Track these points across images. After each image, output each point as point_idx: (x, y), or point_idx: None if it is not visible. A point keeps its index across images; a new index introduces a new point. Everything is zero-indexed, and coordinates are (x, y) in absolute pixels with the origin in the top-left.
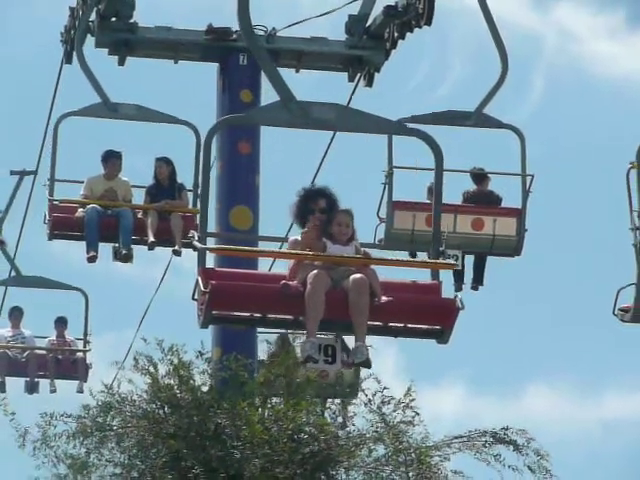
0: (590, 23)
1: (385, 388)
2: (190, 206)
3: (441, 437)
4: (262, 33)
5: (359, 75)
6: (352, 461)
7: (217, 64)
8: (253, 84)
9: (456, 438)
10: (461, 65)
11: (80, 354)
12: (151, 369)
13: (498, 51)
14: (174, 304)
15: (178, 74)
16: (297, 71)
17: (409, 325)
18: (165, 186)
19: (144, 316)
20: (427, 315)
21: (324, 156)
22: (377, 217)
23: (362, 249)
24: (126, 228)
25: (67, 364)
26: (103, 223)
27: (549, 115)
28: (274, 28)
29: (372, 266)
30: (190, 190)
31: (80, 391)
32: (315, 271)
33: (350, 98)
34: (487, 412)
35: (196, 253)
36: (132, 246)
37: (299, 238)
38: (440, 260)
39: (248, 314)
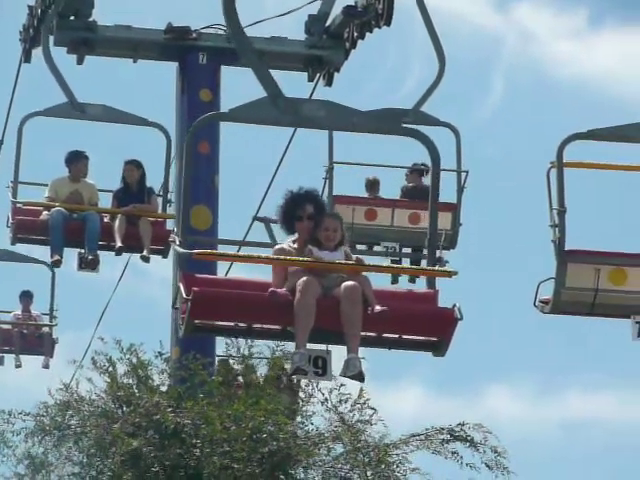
0: (551, 24)
1: (342, 385)
2: (159, 211)
3: (399, 436)
4: (222, 32)
5: (319, 75)
6: (311, 460)
7: (176, 63)
8: (212, 83)
9: (414, 436)
10: (422, 65)
11: (46, 329)
12: (110, 368)
13: (435, 49)
14: (133, 304)
15: (137, 73)
16: None
17: (404, 336)
18: (134, 190)
19: (102, 316)
20: (424, 326)
21: (284, 154)
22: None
23: (354, 255)
24: (92, 233)
25: (33, 339)
26: (68, 227)
27: (509, 116)
28: None
29: (365, 273)
30: (160, 195)
31: (46, 367)
32: (305, 278)
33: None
34: (447, 412)
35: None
36: (98, 252)
37: (285, 246)
38: (437, 267)
39: (232, 324)
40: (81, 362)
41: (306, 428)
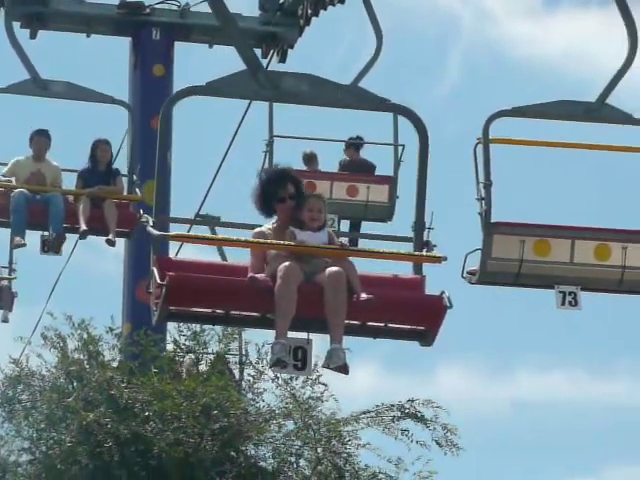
0: (507, 3)
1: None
2: (125, 192)
3: (350, 412)
4: (175, 8)
5: (272, 51)
6: (262, 436)
7: (130, 38)
8: (166, 59)
9: (364, 413)
10: (375, 43)
11: (5, 282)
12: (60, 344)
13: (372, 27)
14: (85, 280)
15: (91, 48)
16: (210, 47)
17: (390, 325)
18: (101, 170)
19: (52, 291)
20: (411, 314)
21: (237, 129)
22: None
23: (339, 240)
24: (56, 215)
25: None
26: (31, 209)
27: (465, 95)
28: (187, 3)
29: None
30: (125, 175)
31: (5, 320)
32: (286, 263)
33: None
34: (399, 390)
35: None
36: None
37: (264, 230)
38: (425, 252)
39: (209, 310)
40: (30, 338)
41: (257, 405)
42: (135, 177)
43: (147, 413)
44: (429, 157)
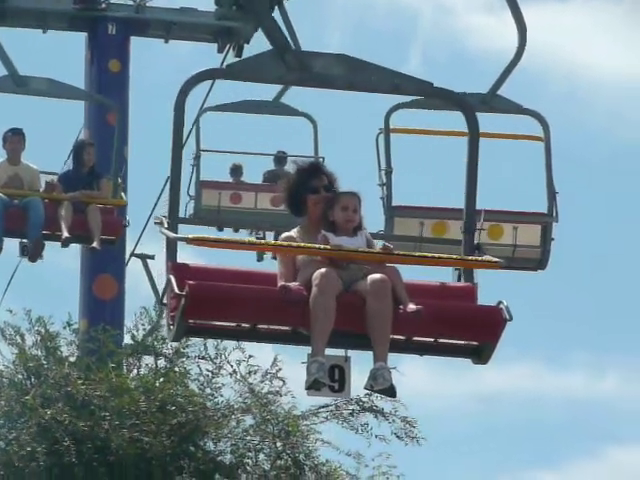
0: None
1: (250, 357)
2: (110, 197)
3: (309, 407)
4: (131, 3)
5: (228, 46)
6: (220, 432)
7: (86, 34)
8: (122, 54)
9: (323, 407)
10: (336, 36)
11: None
12: (18, 339)
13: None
14: (42, 275)
15: (47, 44)
16: (166, 42)
17: (440, 340)
18: (84, 173)
19: (7, 286)
20: (466, 328)
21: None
22: (187, 195)
23: (379, 242)
24: (35, 221)
25: None
26: (8, 215)
27: None
28: None
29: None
30: (109, 178)
31: None
32: (322, 270)
33: None
34: (359, 385)
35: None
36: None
37: (293, 234)
38: (480, 257)
39: (234, 324)
40: None
41: (215, 400)
42: (120, 180)
43: (104, 410)
44: (479, 151)
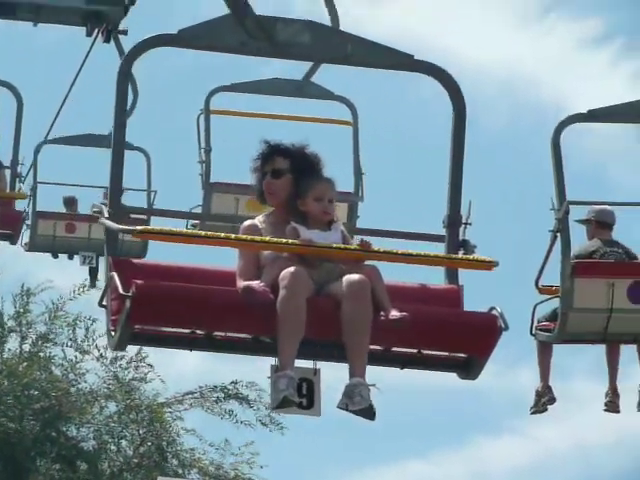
0: None
1: None
2: (8, 189)
3: (173, 394)
4: None
5: (97, 31)
6: (83, 417)
7: None
8: None
9: (187, 394)
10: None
11: None
12: None
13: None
14: None
15: None
16: (35, 25)
17: (424, 352)
18: None
19: None
20: (455, 338)
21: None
22: (24, 225)
23: (356, 236)
24: None
25: None
26: None
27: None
28: None
29: (370, 262)
30: (7, 167)
31: None
32: (291, 268)
33: (87, 54)
34: (225, 373)
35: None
36: None
37: (257, 223)
38: (473, 256)
39: (187, 331)
40: None
41: (79, 385)
42: (19, 170)
43: None
44: (465, 130)
